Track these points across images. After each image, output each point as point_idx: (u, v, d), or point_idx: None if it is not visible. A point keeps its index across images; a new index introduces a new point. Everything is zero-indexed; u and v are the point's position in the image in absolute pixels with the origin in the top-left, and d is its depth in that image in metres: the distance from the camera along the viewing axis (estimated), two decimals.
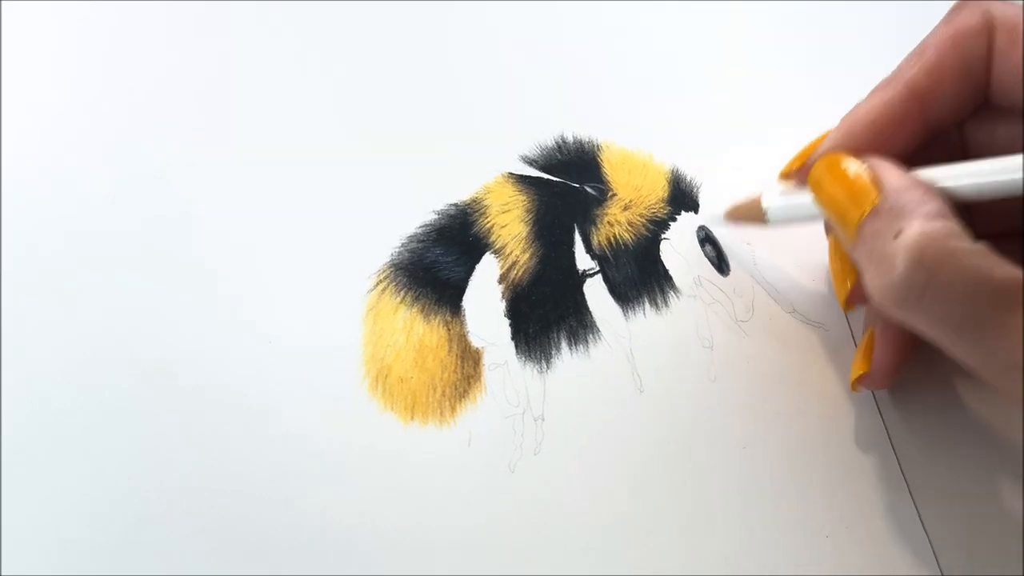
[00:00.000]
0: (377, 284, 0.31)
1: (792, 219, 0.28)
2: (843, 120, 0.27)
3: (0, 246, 0.32)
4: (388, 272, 0.31)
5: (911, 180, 0.24)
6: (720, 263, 0.32)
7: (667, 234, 0.32)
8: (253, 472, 0.28)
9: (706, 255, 0.32)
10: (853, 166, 0.25)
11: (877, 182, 0.24)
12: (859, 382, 0.28)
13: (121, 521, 0.28)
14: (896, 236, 0.22)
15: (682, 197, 0.33)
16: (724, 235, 0.32)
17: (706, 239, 0.32)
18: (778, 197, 0.28)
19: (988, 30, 0.25)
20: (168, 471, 0.28)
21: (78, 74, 0.35)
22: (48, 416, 0.29)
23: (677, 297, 0.31)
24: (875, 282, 0.23)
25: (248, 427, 0.29)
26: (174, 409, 0.29)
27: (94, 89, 0.35)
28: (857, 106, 0.27)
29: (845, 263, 0.28)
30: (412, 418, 0.29)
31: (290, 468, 0.28)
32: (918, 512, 0.28)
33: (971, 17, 0.26)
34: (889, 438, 0.29)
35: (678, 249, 0.32)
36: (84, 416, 0.29)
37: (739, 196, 0.30)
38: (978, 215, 0.26)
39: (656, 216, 0.32)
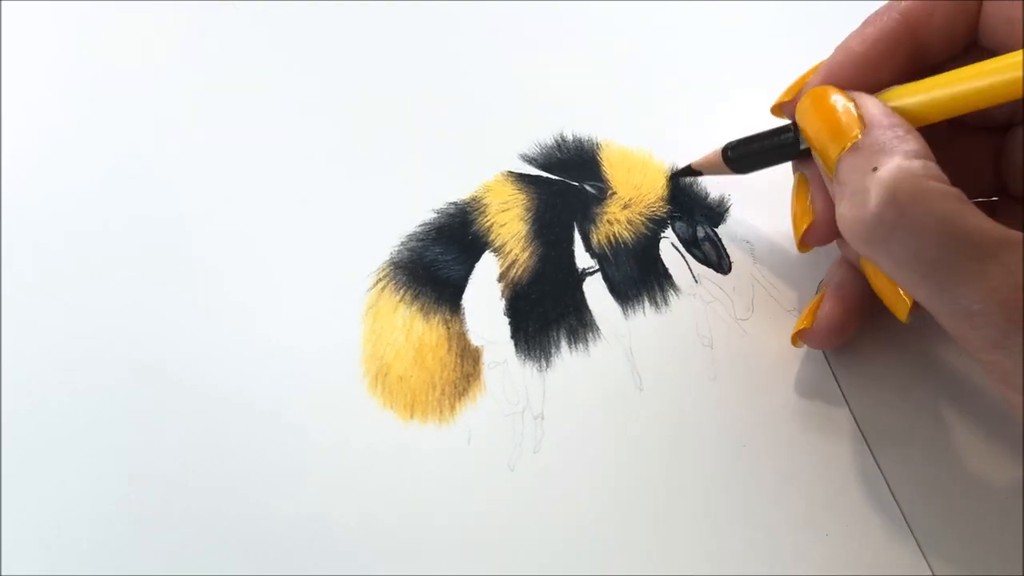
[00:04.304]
0: (377, 283, 0.31)
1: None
2: (836, 50, 0.27)
3: (0, 246, 0.32)
4: (388, 270, 0.31)
5: (895, 118, 0.24)
6: (720, 261, 0.32)
7: (667, 232, 0.32)
8: (252, 471, 0.28)
9: (706, 254, 0.32)
10: (839, 100, 0.25)
11: (861, 118, 0.24)
12: (799, 336, 0.29)
13: (121, 521, 0.28)
14: (873, 171, 0.23)
15: (681, 195, 0.33)
16: (724, 234, 0.32)
17: (706, 238, 0.32)
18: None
19: None
20: (167, 470, 0.28)
21: (78, 74, 0.35)
22: (48, 416, 0.29)
23: (677, 295, 0.31)
24: (846, 216, 0.23)
25: (247, 426, 0.29)
26: (174, 408, 0.29)
27: (94, 90, 0.35)
28: (850, 36, 0.27)
29: (804, 203, 0.28)
30: (412, 416, 0.29)
31: (289, 467, 0.28)
32: (900, 510, 0.28)
33: None
34: (872, 436, 0.29)
35: (678, 247, 0.32)
36: (84, 416, 0.29)
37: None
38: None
39: (656, 215, 0.32)
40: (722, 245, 0.32)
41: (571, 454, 0.29)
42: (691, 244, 0.32)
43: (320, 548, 0.27)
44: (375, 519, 0.28)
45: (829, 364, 0.30)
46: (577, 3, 0.37)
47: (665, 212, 0.32)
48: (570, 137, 0.34)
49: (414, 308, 0.31)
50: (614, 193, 0.33)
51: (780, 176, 0.30)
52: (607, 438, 0.29)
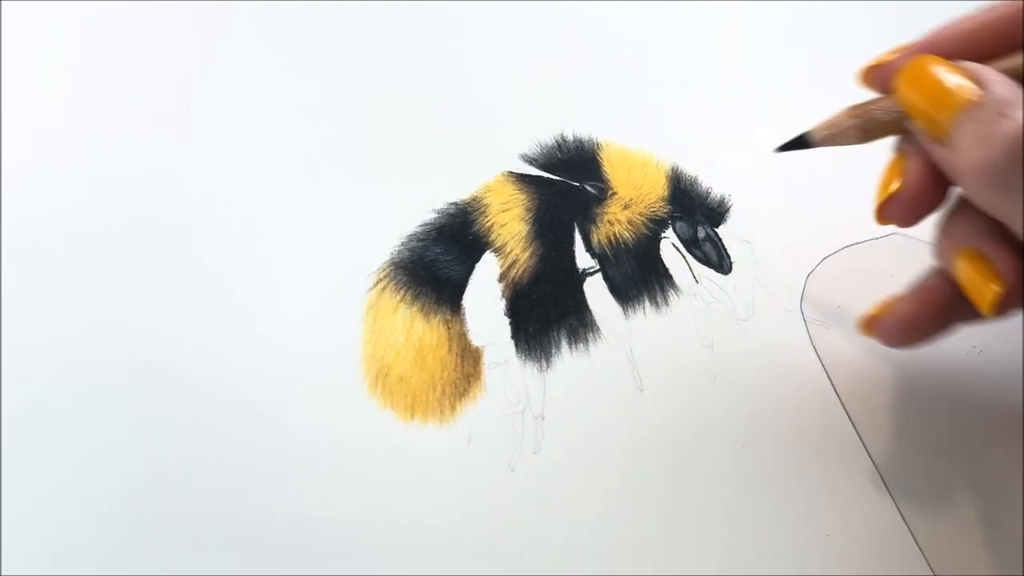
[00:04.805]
0: (377, 283, 0.31)
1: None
2: (943, 25, 0.27)
3: (0, 245, 0.32)
4: (388, 271, 0.31)
5: (1009, 80, 0.24)
6: (720, 262, 0.32)
7: (667, 233, 0.32)
8: (253, 471, 0.28)
9: (706, 254, 0.32)
10: (945, 68, 0.25)
11: (976, 78, 0.24)
12: (869, 325, 0.28)
13: (121, 520, 0.28)
14: (1001, 116, 0.23)
15: (682, 195, 0.33)
16: (725, 234, 0.32)
17: (707, 238, 0.32)
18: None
19: None
20: (167, 470, 0.28)
21: (78, 74, 0.35)
22: (48, 416, 0.29)
23: (677, 296, 0.31)
24: (974, 164, 0.23)
25: (248, 426, 0.29)
26: (174, 408, 0.29)
27: (94, 90, 0.35)
28: (962, 16, 0.27)
29: (897, 171, 0.26)
30: (412, 417, 0.29)
31: (290, 467, 0.28)
32: (899, 512, 0.28)
33: None
34: (869, 437, 0.29)
35: (678, 248, 0.32)
36: (84, 415, 0.29)
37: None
38: None
39: (656, 215, 0.32)
40: (723, 245, 0.32)
41: (571, 454, 0.29)
42: (692, 244, 0.32)
43: (320, 548, 0.27)
44: (375, 519, 0.28)
45: (824, 366, 0.30)
46: (577, 3, 0.37)
47: (666, 212, 0.32)
48: (570, 137, 0.34)
49: (414, 308, 0.31)
50: (614, 193, 0.33)
51: (781, 176, 0.30)
52: (607, 438, 0.29)
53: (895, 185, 0.26)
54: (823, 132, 0.28)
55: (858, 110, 0.27)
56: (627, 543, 0.27)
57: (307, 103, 0.35)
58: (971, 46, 0.26)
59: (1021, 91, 0.24)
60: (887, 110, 0.27)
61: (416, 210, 0.32)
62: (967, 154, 0.24)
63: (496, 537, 0.28)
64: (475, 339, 0.30)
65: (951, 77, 0.25)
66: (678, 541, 0.27)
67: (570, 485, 0.28)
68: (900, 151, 0.27)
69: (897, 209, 0.26)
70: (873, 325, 0.28)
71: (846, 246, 0.31)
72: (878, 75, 0.28)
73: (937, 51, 0.26)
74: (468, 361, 0.30)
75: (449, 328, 0.30)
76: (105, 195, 0.33)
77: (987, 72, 0.24)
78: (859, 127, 0.27)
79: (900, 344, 0.28)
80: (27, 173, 0.33)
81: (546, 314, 0.31)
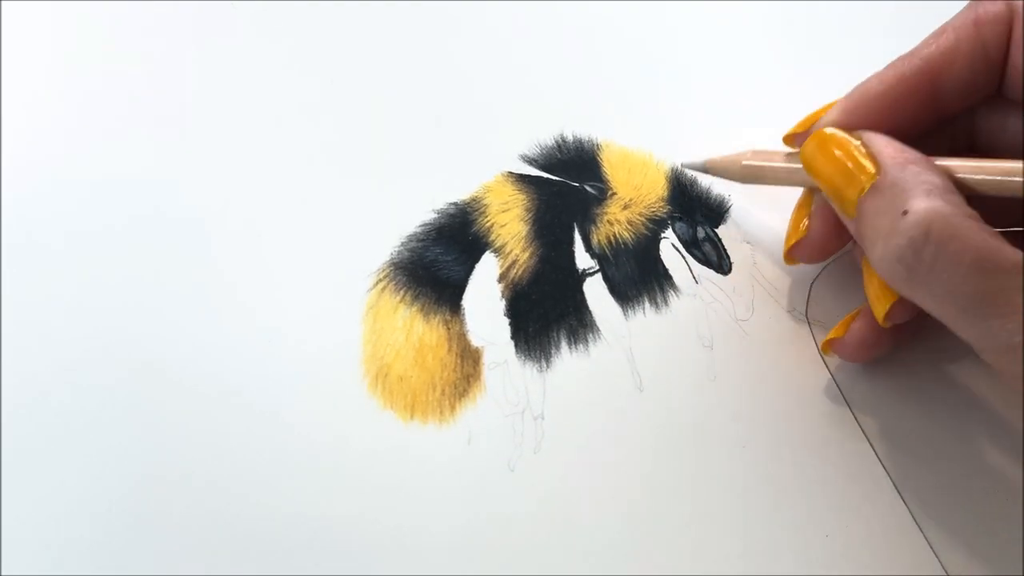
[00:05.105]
0: (377, 283, 0.31)
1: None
2: (854, 89, 0.27)
3: (0, 245, 0.32)
4: (388, 271, 0.31)
5: (908, 153, 0.24)
6: (720, 262, 0.32)
7: (667, 233, 0.32)
8: (253, 471, 0.28)
9: (706, 255, 0.32)
10: (847, 142, 0.25)
11: (873, 157, 0.24)
12: (829, 345, 0.29)
13: (121, 520, 0.28)
14: (904, 214, 0.23)
15: (682, 196, 0.33)
16: (724, 235, 0.32)
17: (706, 238, 0.32)
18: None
19: (1009, 19, 0.25)
20: (167, 470, 0.28)
21: (78, 74, 0.35)
22: (49, 415, 0.29)
23: (677, 296, 0.31)
24: (881, 259, 0.24)
25: (248, 426, 0.29)
26: (174, 408, 0.29)
27: (94, 89, 0.35)
28: (870, 78, 0.27)
29: (800, 220, 0.28)
30: (412, 417, 0.29)
31: (290, 467, 0.28)
32: (910, 512, 0.28)
33: (994, 5, 0.26)
34: (876, 438, 0.29)
35: (678, 248, 0.32)
36: (84, 415, 0.29)
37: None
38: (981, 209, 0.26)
39: (656, 215, 0.32)
40: (722, 246, 0.32)
41: (571, 454, 0.29)
42: (691, 244, 0.32)
43: (320, 548, 0.27)
44: (375, 519, 0.28)
45: (829, 370, 0.30)
46: (577, 3, 0.37)
47: (665, 212, 0.32)
48: (570, 137, 0.34)
49: (414, 309, 0.31)
50: (614, 193, 0.33)
51: None
52: (607, 438, 0.29)
53: (796, 236, 0.28)
54: (715, 165, 0.31)
55: (756, 161, 0.29)
56: (626, 543, 0.27)
57: (307, 103, 0.35)
58: (887, 108, 0.26)
59: (919, 165, 0.24)
60: (781, 168, 0.29)
61: (416, 210, 0.32)
62: (872, 247, 0.24)
63: (496, 537, 0.28)
64: (475, 339, 0.30)
65: (848, 155, 0.25)
66: (678, 541, 0.27)
67: (570, 485, 0.28)
68: (807, 190, 0.28)
69: (804, 252, 0.29)
70: (834, 345, 0.29)
71: (847, 249, 0.31)
72: (798, 140, 0.29)
73: (855, 115, 0.26)
74: (468, 361, 0.30)
75: (449, 328, 0.30)
76: (105, 195, 0.33)
77: (884, 146, 0.24)
78: (748, 173, 0.30)
79: (861, 360, 0.29)
80: (27, 173, 0.33)
81: (546, 314, 0.31)
